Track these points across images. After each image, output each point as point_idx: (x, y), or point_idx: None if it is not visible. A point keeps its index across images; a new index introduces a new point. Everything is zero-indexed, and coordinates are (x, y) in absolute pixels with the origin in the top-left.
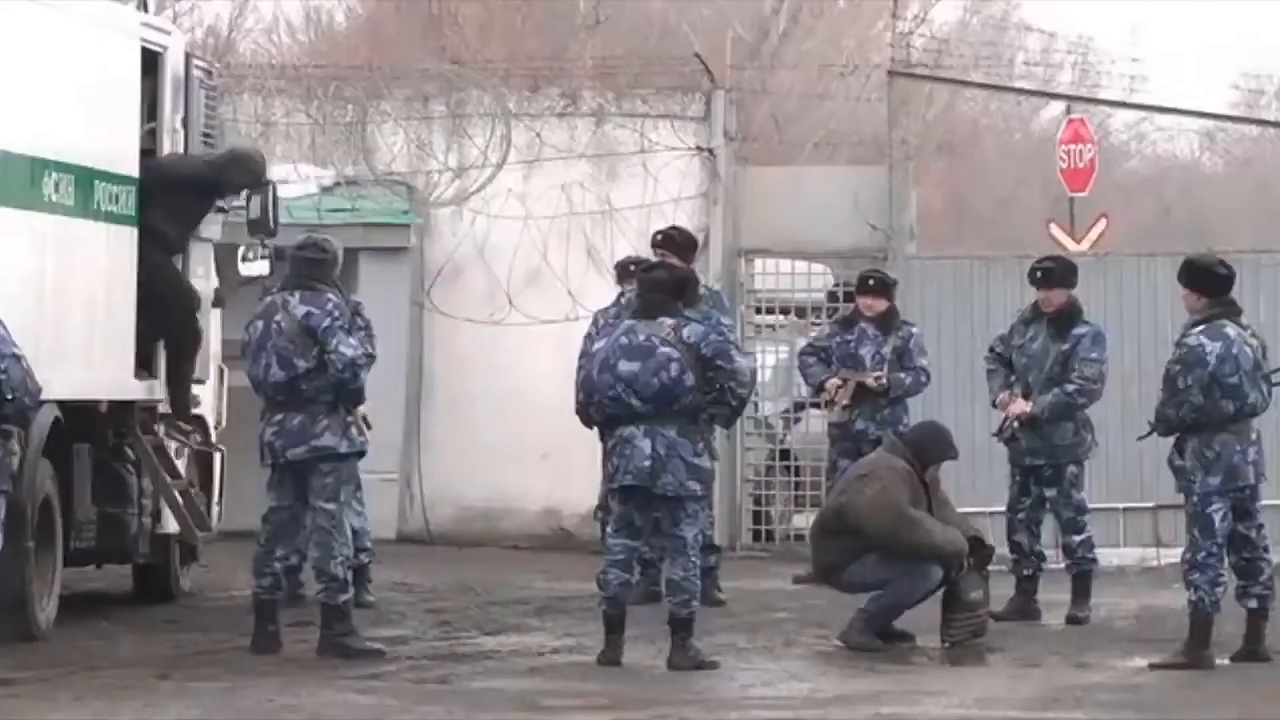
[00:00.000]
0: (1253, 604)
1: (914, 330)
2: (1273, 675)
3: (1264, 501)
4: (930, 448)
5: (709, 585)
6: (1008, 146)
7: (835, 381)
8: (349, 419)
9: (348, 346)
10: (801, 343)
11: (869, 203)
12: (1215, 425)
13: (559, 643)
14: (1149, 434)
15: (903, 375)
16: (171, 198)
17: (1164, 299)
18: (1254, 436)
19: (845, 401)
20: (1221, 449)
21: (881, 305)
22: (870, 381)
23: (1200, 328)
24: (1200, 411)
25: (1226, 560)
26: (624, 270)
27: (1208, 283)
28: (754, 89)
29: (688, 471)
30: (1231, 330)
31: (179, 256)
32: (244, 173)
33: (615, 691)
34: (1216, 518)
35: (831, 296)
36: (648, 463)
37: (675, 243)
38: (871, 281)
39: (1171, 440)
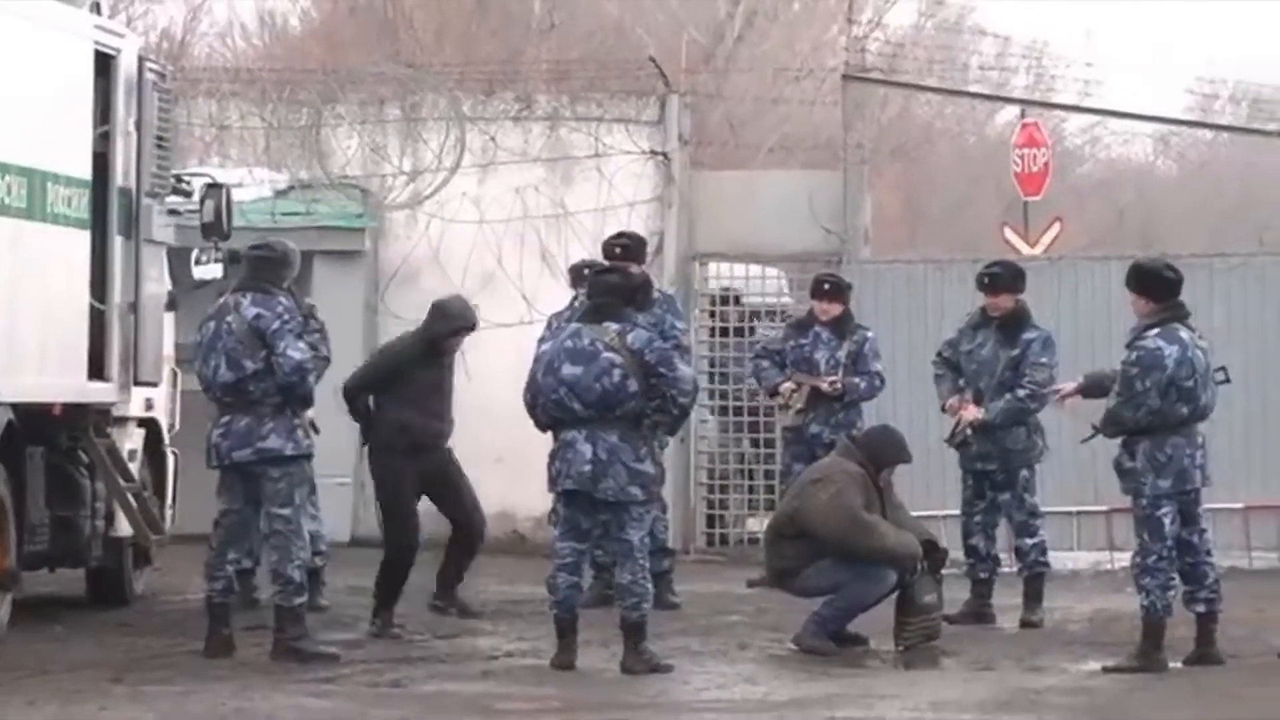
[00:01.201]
0: (1200, 609)
1: (869, 334)
2: (1225, 678)
3: (1212, 505)
4: (884, 451)
5: (663, 589)
6: (962, 150)
7: (790, 385)
8: (296, 421)
9: (295, 350)
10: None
11: (823, 206)
12: (1168, 428)
13: (512, 646)
14: (1093, 436)
15: (857, 380)
16: (409, 383)
17: (1118, 302)
18: (1200, 440)
19: (800, 405)
20: (1174, 452)
21: (836, 309)
22: (825, 386)
23: (1155, 330)
24: (1156, 414)
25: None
26: (578, 273)
27: (1157, 286)
28: (709, 93)
29: (629, 476)
30: (1185, 333)
31: None
32: (449, 317)
33: (569, 695)
34: (1166, 520)
35: (732, 300)
36: (588, 467)
37: (631, 250)
38: (827, 285)
39: (1118, 442)
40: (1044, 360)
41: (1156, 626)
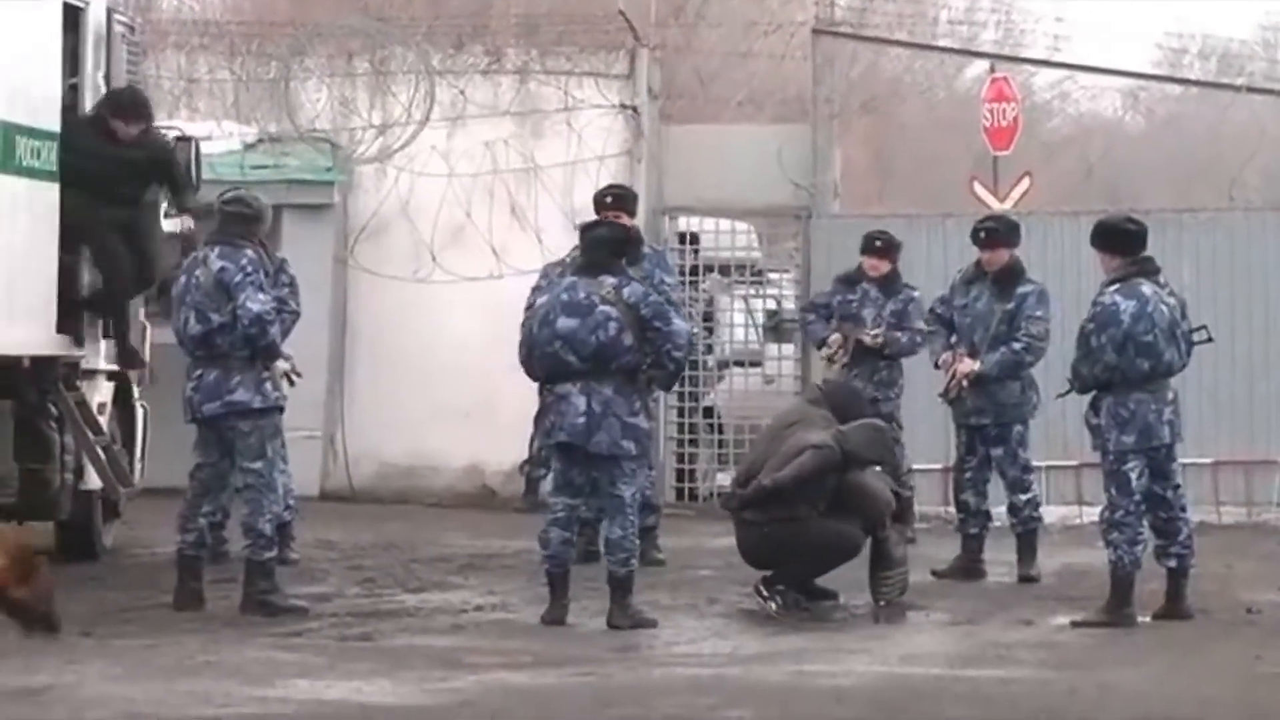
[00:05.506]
0: (1172, 563)
1: (914, 294)
2: (1194, 633)
3: (1182, 460)
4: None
5: (648, 545)
6: (931, 105)
7: (837, 337)
8: (264, 374)
9: (254, 301)
10: (724, 300)
11: (793, 161)
12: (1131, 384)
13: (482, 600)
14: (1067, 392)
15: (899, 334)
16: None
17: (1087, 258)
18: (1170, 396)
19: (844, 360)
20: (1137, 408)
21: (885, 267)
22: (867, 339)
23: (1115, 286)
24: (1114, 370)
25: (1145, 519)
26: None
27: (1120, 241)
28: (678, 46)
29: (623, 430)
30: (1147, 288)
31: None
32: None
33: (538, 649)
34: (1132, 475)
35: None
36: (582, 420)
37: (622, 200)
38: (878, 242)
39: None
40: (1039, 314)
41: (1125, 581)
